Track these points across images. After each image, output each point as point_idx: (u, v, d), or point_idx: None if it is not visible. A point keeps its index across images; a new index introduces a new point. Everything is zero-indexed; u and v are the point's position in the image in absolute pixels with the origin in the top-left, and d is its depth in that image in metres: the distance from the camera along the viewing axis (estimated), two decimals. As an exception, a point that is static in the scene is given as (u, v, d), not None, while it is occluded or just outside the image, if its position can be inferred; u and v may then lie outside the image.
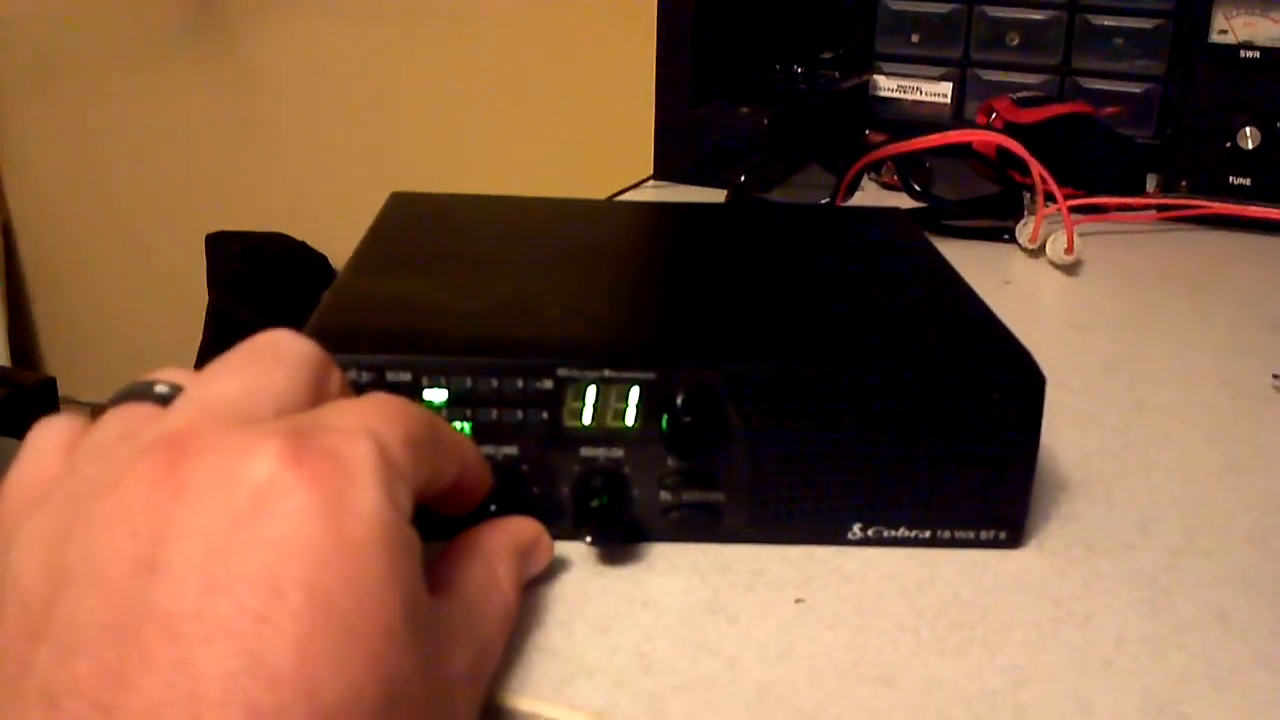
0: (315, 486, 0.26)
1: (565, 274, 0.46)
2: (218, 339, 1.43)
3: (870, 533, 0.39)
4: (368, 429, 0.28)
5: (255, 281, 1.42)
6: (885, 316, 0.42)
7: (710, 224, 0.53)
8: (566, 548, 0.38)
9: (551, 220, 0.53)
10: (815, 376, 0.38)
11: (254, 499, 0.26)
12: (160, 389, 0.31)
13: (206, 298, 1.44)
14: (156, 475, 0.26)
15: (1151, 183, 0.86)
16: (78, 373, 1.64)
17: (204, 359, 1.44)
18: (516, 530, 0.36)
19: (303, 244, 1.45)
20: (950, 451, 0.39)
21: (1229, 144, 0.79)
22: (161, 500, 0.26)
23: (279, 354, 0.31)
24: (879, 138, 0.89)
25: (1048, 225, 0.72)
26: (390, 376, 0.37)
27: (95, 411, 1.32)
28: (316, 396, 0.31)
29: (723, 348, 0.39)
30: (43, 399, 1.32)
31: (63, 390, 1.63)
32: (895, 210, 0.58)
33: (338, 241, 1.45)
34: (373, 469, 0.27)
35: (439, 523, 0.37)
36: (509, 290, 0.43)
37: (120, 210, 1.58)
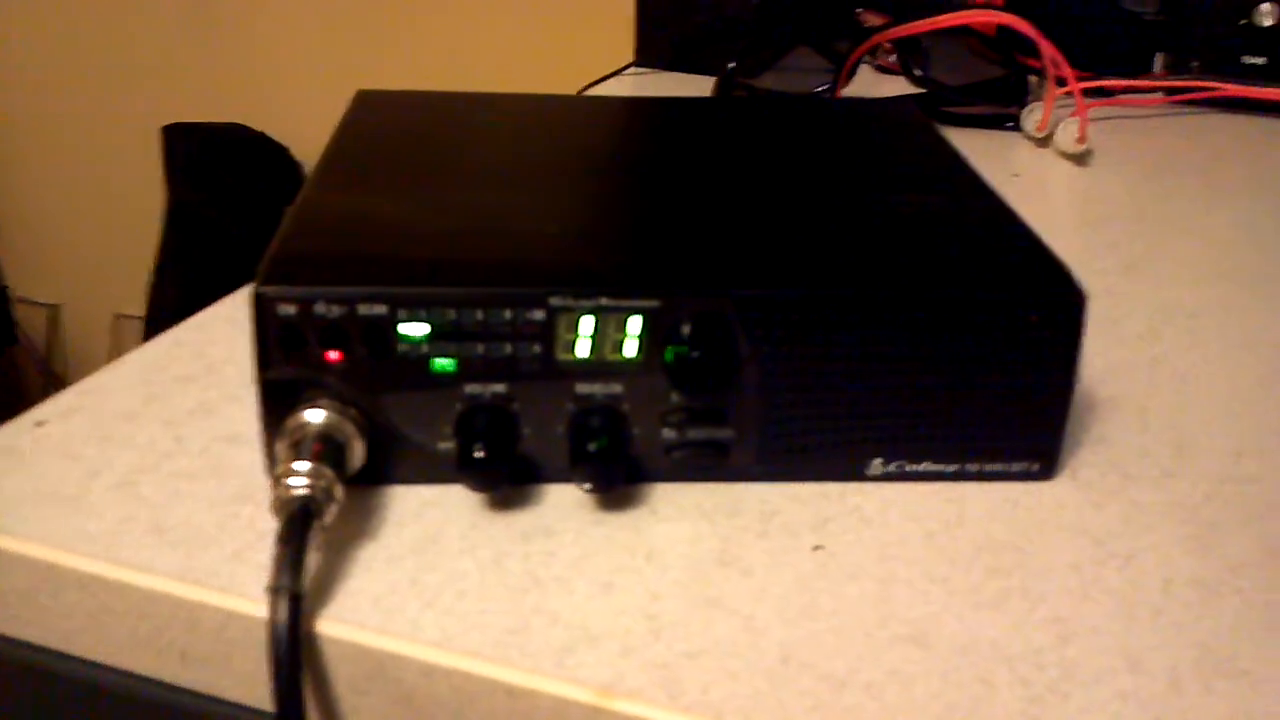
0: None
1: (551, 184, 0.42)
2: (177, 235, 1.37)
3: (892, 467, 0.36)
4: None
5: (214, 175, 1.36)
6: (906, 228, 0.39)
7: (706, 121, 0.49)
8: (562, 493, 0.35)
9: (532, 120, 0.48)
10: (835, 300, 0.34)
11: None
12: None
13: (164, 192, 1.38)
14: None
15: (1158, 63, 0.81)
16: (34, 272, 1.59)
17: (164, 256, 1.39)
18: None
19: (262, 135, 1.38)
20: (981, 378, 0.35)
21: (1244, 21, 0.74)
22: None
23: None
24: (873, 17, 0.84)
25: (1055, 111, 0.68)
26: (362, 310, 0.33)
27: (51, 313, 1.27)
28: None
29: (731, 270, 0.35)
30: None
31: (21, 291, 1.58)
32: (905, 100, 0.53)
33: (299, 132, 1.39)
34: None
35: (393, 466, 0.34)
36: (491, 204, 0.39)
37: (70, 100, 1.50)
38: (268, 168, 1.38)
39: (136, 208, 1.46)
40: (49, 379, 1.62)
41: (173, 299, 1.37)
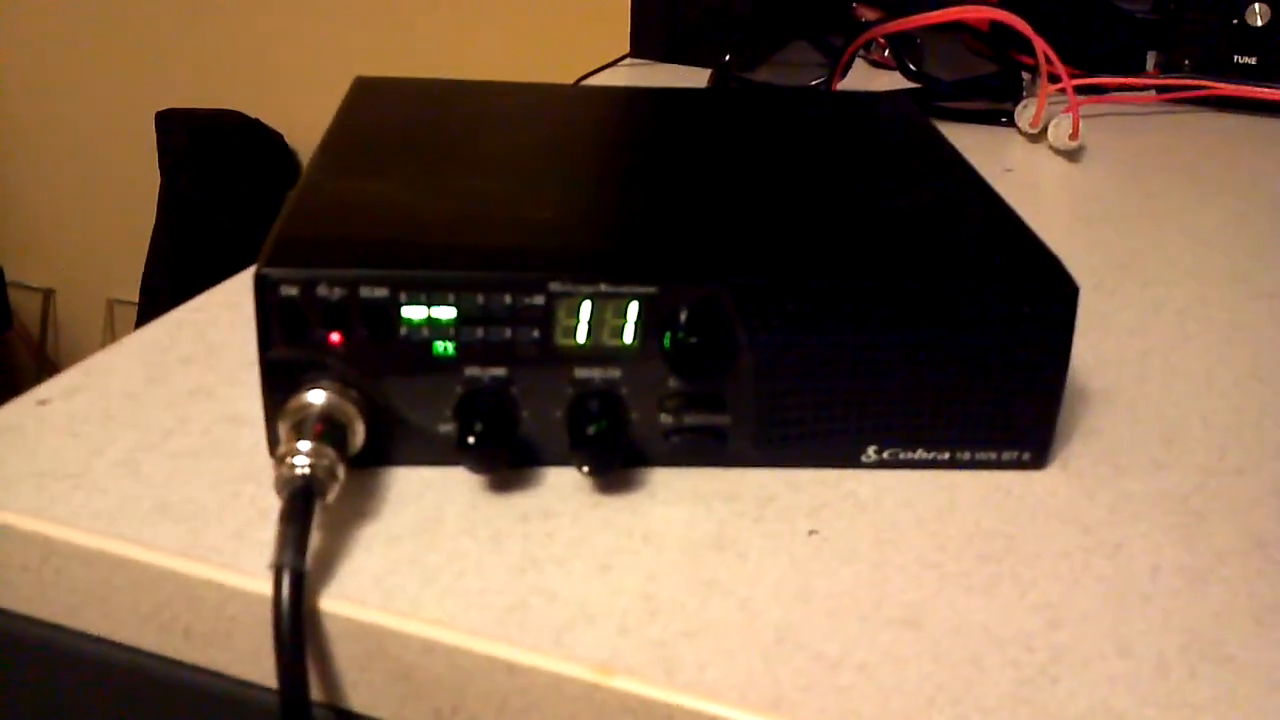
0: None
1: (550, 171, 0.42)
2: (171, 221, 1.38)
3: (886, 455, 0.37)
4: None
5: (208, 161, 1.36)
6: (901, 219, 0.39)
7: (703, 111, 0.49)
8: (560, 475, 0.36)
9: (530, 108, 0.49)
10: (830, 289, 0.34)
11: None
12: None
13: (158, 178, 1.38)
14: None
15: (1151, 61, 0.82)
16: (29, 257, 1.58)
17: (158, 241, 1.39)
18: None
19: (256, 121, 1.39)
20: (974, 368, 0.36)
21: (1236, 20, 0.75)
22: None
23: None
24: (868, 12, 0.84)
25: (1048, 108, 0.68)
26: (364, 293, 0.33)
27: (45, 297, 1.27)
28: None
29: (728, 258, 0.35)
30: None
31: (15, 275, 1.58)
32: (899, 95, 0.54)
33: (292, 119, 1.39)
34: None
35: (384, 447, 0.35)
36: (490, 191, 0.39)
37: (65, 86, 1.50)
38: (261, 154, 1.38)
39: (131, 193, 1.46)
40: (42, 363, 1.62)
41: (167, 284, 1.37)
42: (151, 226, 1.39)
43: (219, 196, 1.36)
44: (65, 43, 1.48)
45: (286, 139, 1.40)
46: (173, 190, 1.37)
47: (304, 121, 1.38)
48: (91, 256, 1.55)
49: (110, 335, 1.58)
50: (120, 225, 1.50)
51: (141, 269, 1.40)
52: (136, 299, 1.42)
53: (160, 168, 1.38)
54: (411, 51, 1.33)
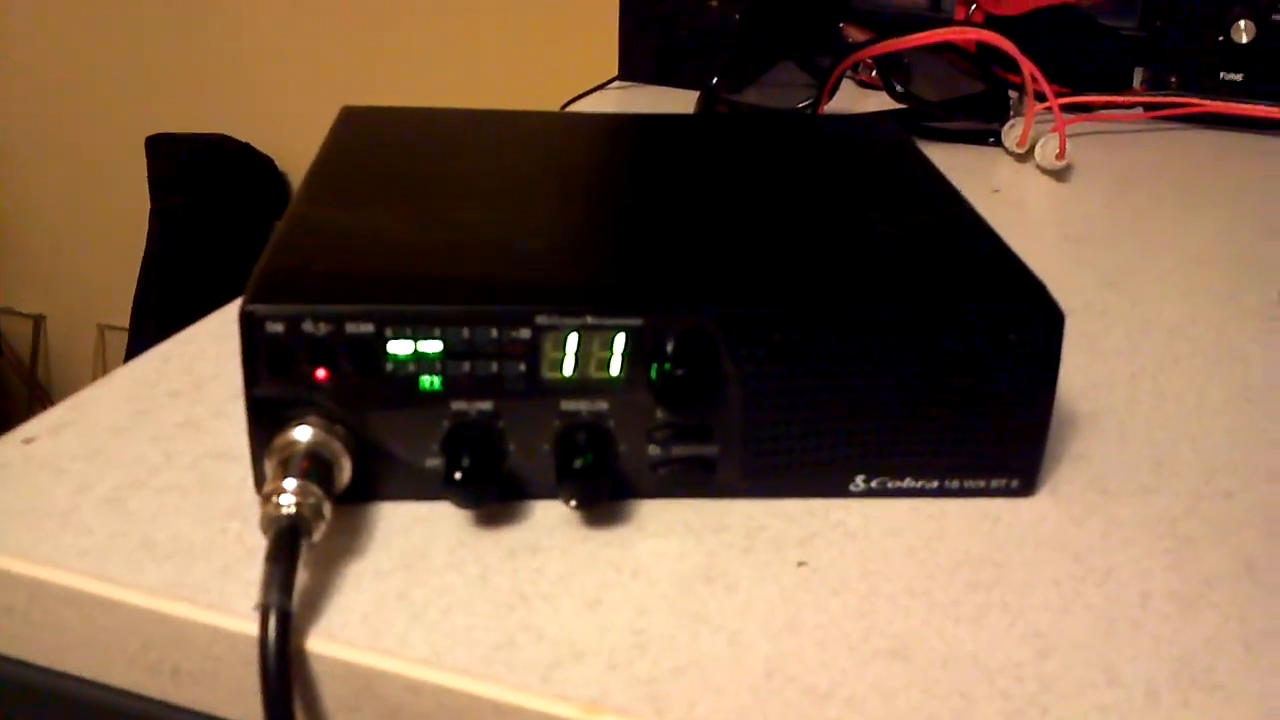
0: None
1: (535, 200, 0.42)
2: (162, 245, 1.37)
3: (874, 484, 0.37)
4: None
5: (198, 186, 1.36)
6: (887, 246, 0.39)
7: (690, 137, 0.49)
8: (548, 509, 0.35)
9: (517, 136, 0.49)
10: (817, 318, 0.34)
11: None
12: None
13: (149, 203, 1.38)
14: None
15: (1137, 78, 0.82)
16: (19, 283, 1.58)
17: (148, 266, 1.39)
18: None
19: (247, 145, 1.38)
20: (961, 396, 0.36)
21: (1221, 37, 0.75)
22: None
23: None
24: (855, 32, 0.85)
25: (1036, 127, 0.68)
26: (350, 329, 0.33)
27: (37, 323, 1.26)
28: None
29: (715, 288, 0.35)
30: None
31: (6, 301, 1.58)
32: (886, 118, 0.54)
33: (283, 143, 1.39)
34: None
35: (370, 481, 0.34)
36: (476, 221, 0.39)
37: (55, 110, 1.50)
38: (252, 179, 1.38)
39: (121, 219, 1.46)
40: (33, 389, 1.62)
41: (157, 310, 1.37)
42: (142, 251, 1.38)
43: (209, 221, 1.36)
44: (55, 67, 1.48)
45: (277, 163, 1.40)
46: (163, 214, 1.37)
47: (295, 146, 1.38)
48: (82, 282, 1.55)
49: (101, 361, 1.57)
50: (110, 250, 1.50)
51: (132, 294, 1.40)
52: (127, 324, 1.42)
53: (150, 192, 1.38)
54: (400, 74, 1.33)
